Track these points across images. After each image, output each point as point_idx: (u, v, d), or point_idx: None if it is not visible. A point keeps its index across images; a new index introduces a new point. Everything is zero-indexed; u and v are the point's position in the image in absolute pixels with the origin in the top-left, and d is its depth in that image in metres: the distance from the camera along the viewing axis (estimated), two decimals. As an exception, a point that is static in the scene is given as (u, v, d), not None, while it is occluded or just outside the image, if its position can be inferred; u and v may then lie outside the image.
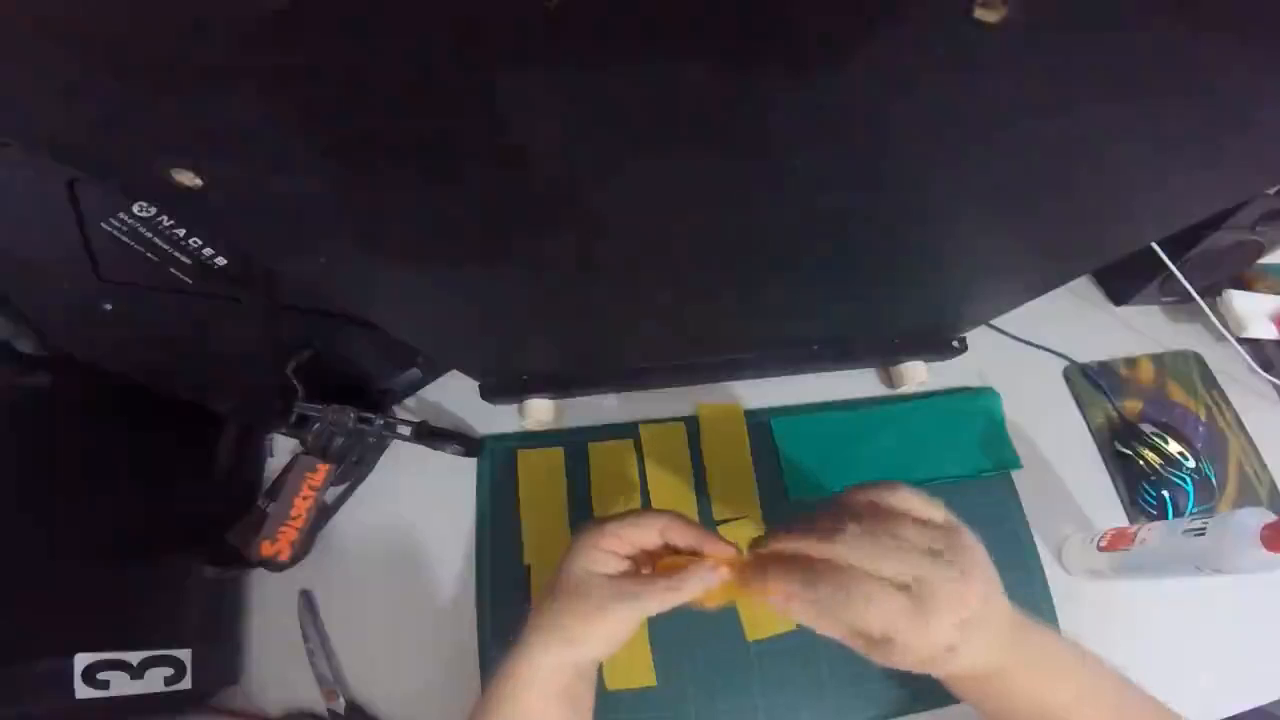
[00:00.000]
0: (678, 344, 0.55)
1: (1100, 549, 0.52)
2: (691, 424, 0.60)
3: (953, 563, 0.31)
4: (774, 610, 0.33)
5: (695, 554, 0.37)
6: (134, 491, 0.48)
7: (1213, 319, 0.64)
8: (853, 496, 0.34)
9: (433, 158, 0.23)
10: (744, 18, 0.17)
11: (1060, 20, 0.18)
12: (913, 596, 0.30)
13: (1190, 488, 0.57)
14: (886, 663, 0.32)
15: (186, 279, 0.48)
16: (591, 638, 0.35)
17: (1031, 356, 0.66)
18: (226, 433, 0.55)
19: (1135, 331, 0.69)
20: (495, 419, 0.60)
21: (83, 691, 0.39)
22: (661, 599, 0.34)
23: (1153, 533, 0.48)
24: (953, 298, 0.51)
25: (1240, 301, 0.64)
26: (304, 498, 0.49)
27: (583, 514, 0.56)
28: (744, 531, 0.55)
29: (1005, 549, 0.56)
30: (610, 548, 0.36)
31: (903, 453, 0.59)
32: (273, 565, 0.48)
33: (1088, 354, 0.67)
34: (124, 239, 0.48)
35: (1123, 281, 0.69)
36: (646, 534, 0.37)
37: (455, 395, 0.61)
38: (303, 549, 0.49)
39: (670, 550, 0.37)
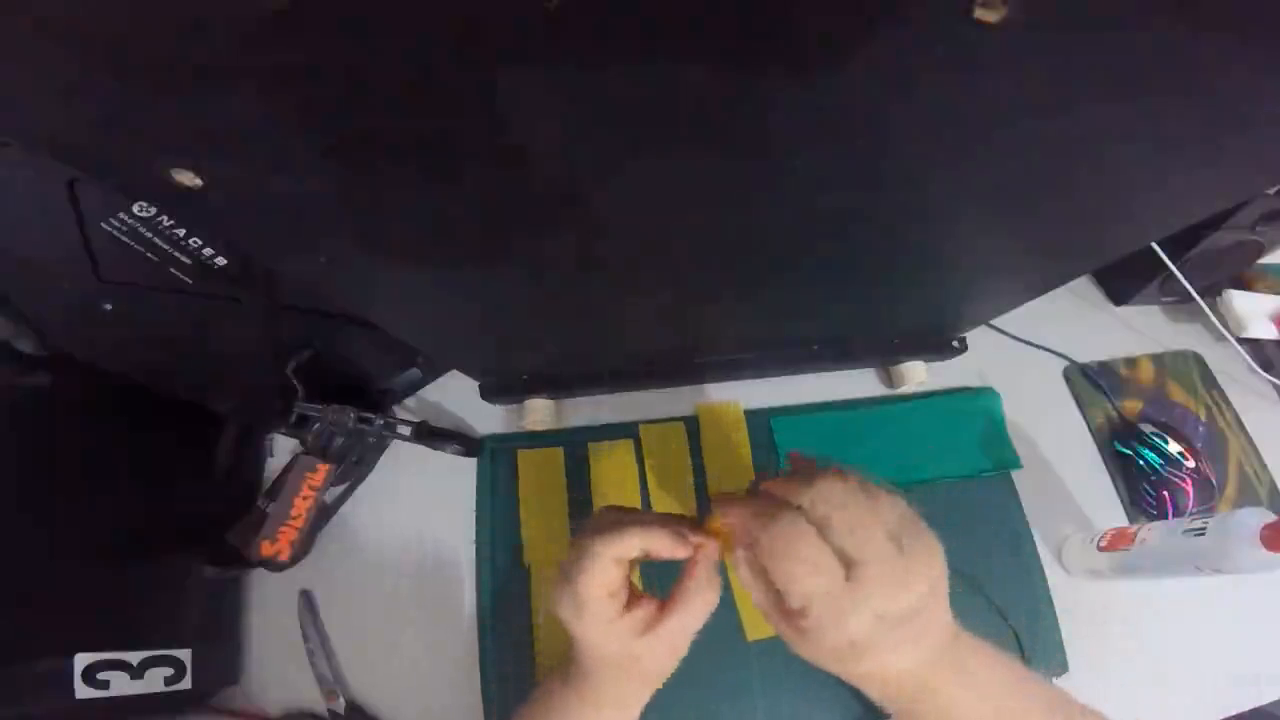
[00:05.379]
0: (678, 344, 0.55)
1: (1100, 549, 0.52)
2: (691, 424, 0.60)
3: (904, 554, 0.29)
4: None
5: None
6: (134, 491, 0.48)
7: (1213, 319, 0.64)
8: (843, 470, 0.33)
9: (433, 158, 0.23)
10: (744, 18, 0.17)
11: (1060, 20, 0.18)
12: (851, 571, 0.29)
13: (1190, 488, 0.57)
14: (798, 646, 0.31)
15: (186, 279, 0.48)
16: (663, 671, 0.37)
17: (1031, 356, 0.66)
18: (226, 433, 0.55)
19: (1135, 331, 0.69)
20: (495, 419, 0.60)
21: (83, 691, 0.39)
22: (687, 628, 0.34)
23: (1153, 533, 0.48)
24: (953, 298, 0.51)
25: (1240, 301, 0.64)
26: (304, 498, 0.49)
27: (583, 514, 0.56)
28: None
29: (1005, 549, 0.56)
30: (609, 615, 0.33)
31: (903, 453, 0.59)
32: (273, 565, 0.48)
33: (1088, 354, 0.67)
34: (124, 239, 0.48)
35: (1123, 281, 0.69)
36: (609, 574, 0.33)
37: (455, 395, 0.61)
38: (303, 549, 0.49)
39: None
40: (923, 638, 0.31)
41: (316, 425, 0.51)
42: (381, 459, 0.57)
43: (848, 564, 0.29)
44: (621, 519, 0.34)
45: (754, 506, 0.32)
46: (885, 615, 0.29)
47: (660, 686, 0.38)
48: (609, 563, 0.33)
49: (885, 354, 0.61)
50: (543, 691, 0.39)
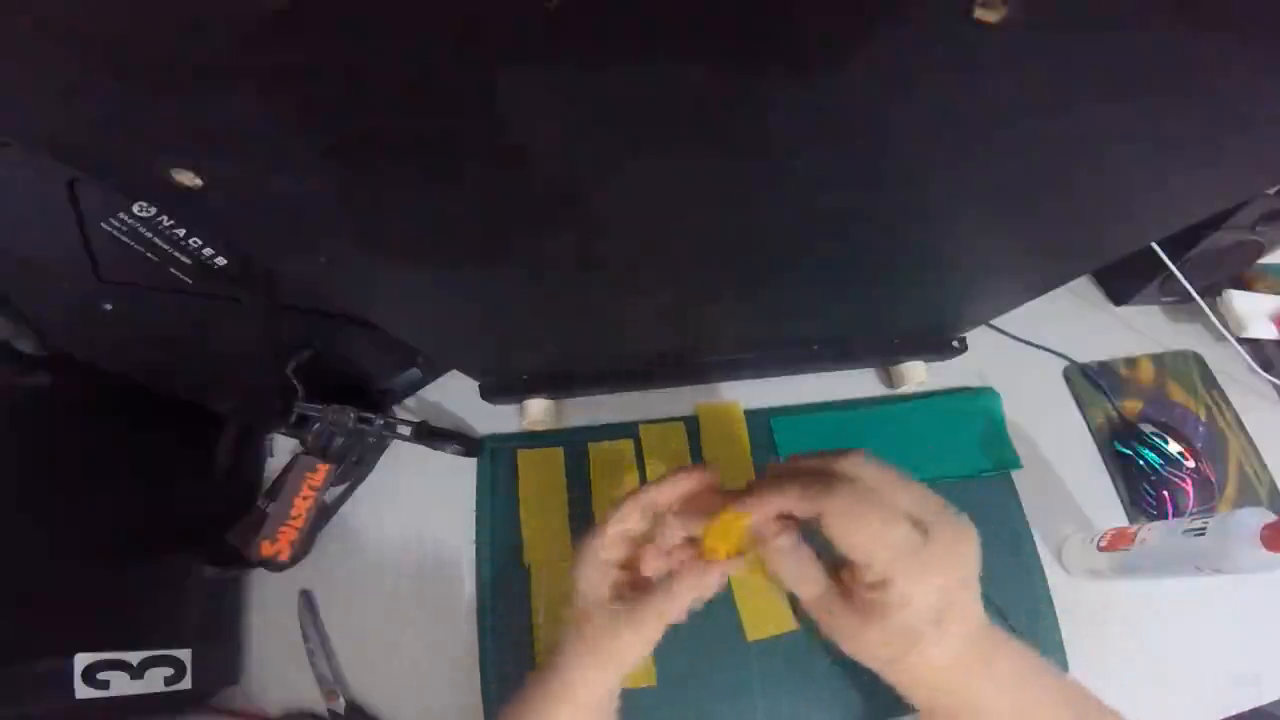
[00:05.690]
0: (678, 344, 0.55)
1: (1100, 549, 0.52)
2: (691, 424, 0.60)
3: (954, 516, 0.31)
4: (776, 591, 0.33)
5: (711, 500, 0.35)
6: (134, 491, 0.48)
7: (1213, 319, 0.64)
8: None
9: (433, 158, 0.23)
10: (744, 18, 0.17)
11: (1060, 20, 0.18)
12: (922, 533, 0.29)
13: (1190, 488, 0.57)
14: (856, 632, 0.31)
15: (186, 279, 0.48)
16: (616, 659, 0.35)
17: (1031, 356, 0.66)
18: (226, 433, 0.55)
19: (1135, 331, 0.69)
20: (495, 419, 0.60)
21: (83, 691, 0.39)
22: (663, 616, 0.34)
23: (1153, 533, 0.48)
24: (953, 298, 0.51)
25: (1240, 301, 0.64)
26: (304, 498, 0.49)
27: (583, 514, 0.56)
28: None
29: (1005, 549, 0.56)
30: (606, 559, 0.35)
31: (903, 453, 0.59)
32: (273, 565, 0.48)
33: (1088, 354, 0.67)
34: (124, 239, 0.48)
35: (1123, 281, 0.69)
36: (629, 522, 0.35)
37: (455, 395, 0.61)
38: (303, 549, 0.49)
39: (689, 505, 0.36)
40: (961, 621, 0.31)
41: (316, 425, 0.51)
42: (381, 459, 0.57)
43: (916, 525, 0.29)
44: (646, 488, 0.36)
45: (793, 490, 0.31)
46: (952, 580, 0.29)
47: (621, 679, 0.37)
48: (634, 516, 0.34)
49: (885, 354, 0.61)
50: (521, 692, 0.39)
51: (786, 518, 0.33)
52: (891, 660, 0.31)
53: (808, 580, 0.32)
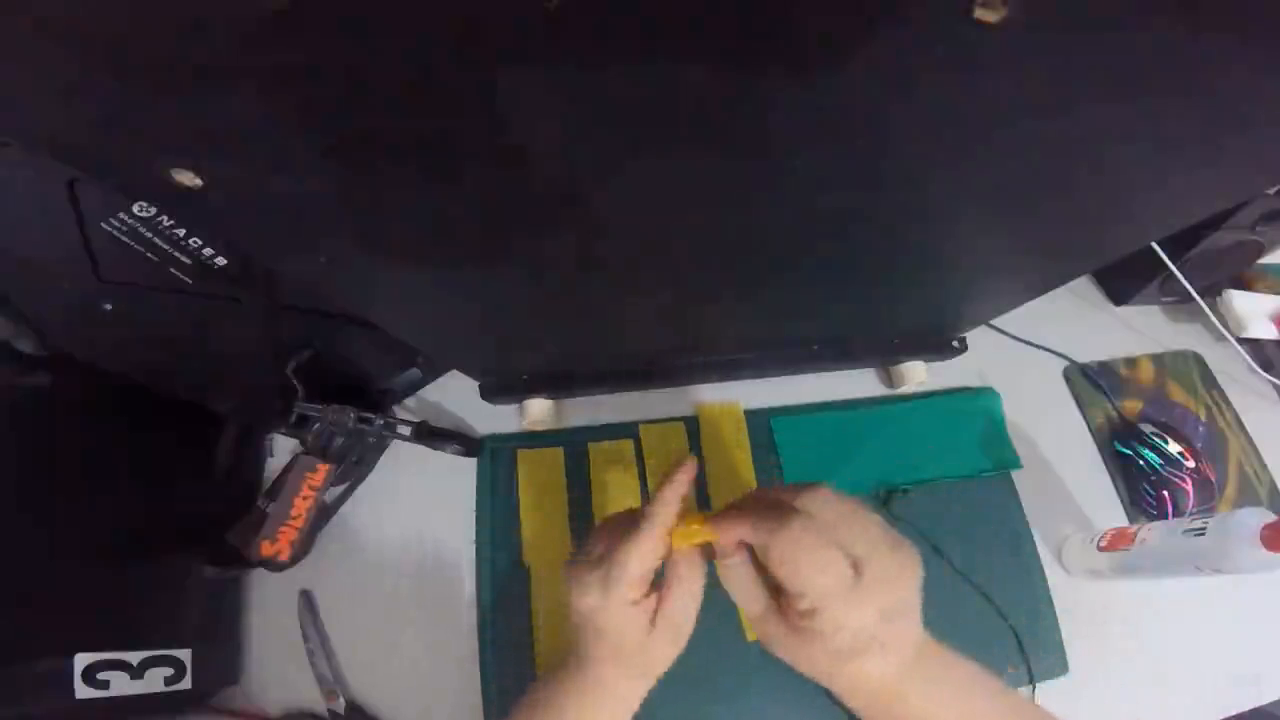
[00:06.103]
0: (678, 344, 0.55)
1: (1100, 549, 0.52)
2: (691, 424, 0.60)
3: (896, 552, 0.32)
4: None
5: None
6: (134, 491, 0.48)
7: (1213, 319, 0.64)
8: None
9: (433, 158, 0.23)
10: (744, 18, 0.17)
11: (1060, 20, 0.18)
12: (857, 570, 0.30)
13: (1190, 487, 0.57)
14: (795, 649, 0.32)
15: (186, 279, 0.48)
16: (650, 669, 0.38)
17: (1031, 356, 0.66)
18: (226, 433, 0.55)
19: (1135, 331, 0.69)
20: (495, 419, 0.60)
21: (83, 691, 0.39)
22: (687, 610, 0.36)
23: (1153, 533, 0.48)
24: (953, 298, 0.51)
25: (1240, 301, 0.64)
26: (304, 498, 0.49)
27: (583, 514, 0.56)
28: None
29: (1005, 549, 0.56)
30: (633, 598, 0.35)
31: (903, 453, 0.59)
32: (273, 565, 0.48)
33: (1088, 354, 0.67)
34: (124, 239, 0.48)
35: (1123, 281, 0.69)
36: (650, 558, 0.35)
37: (455, 395, 0.61)
38: (303, 549, 0.49)
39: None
40: (897, 645, 0.32)
41: (316, 425, 0.51)
42: (381, 459, 0.57)
43: (854, 563, 0.30)
44: (631, 517, 0.36)
45: (753, 517, 0.32)
46: (885, 609, 0.31)
47: (655, 683, 0.39)
48: (653, 552, 0.34)
49: (885, 354, 0.61)
50: (542, 686, 0.39)
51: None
52: (828, 673, 0.33)
53: (751, 599, 0.34)
